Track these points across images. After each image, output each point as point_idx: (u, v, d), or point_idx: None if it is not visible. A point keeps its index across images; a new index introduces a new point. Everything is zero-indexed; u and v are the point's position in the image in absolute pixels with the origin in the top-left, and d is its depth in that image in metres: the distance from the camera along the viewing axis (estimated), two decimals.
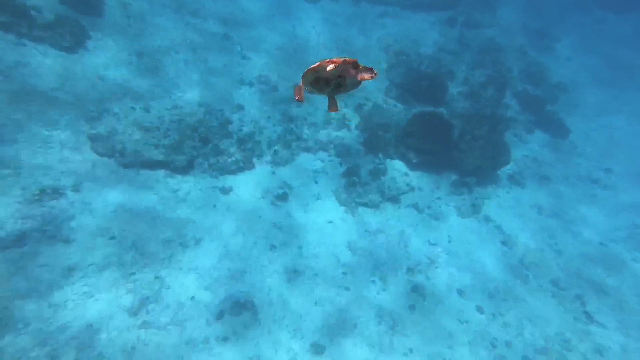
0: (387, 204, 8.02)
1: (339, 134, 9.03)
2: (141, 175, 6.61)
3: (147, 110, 7.20)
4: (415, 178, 8.74)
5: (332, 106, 2.21)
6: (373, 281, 6.63)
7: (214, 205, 6.78)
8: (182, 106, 7.69)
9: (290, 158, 8.11)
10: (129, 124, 6.81)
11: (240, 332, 5.42)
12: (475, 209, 8.51)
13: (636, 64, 15.67)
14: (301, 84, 2.05)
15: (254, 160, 7.78)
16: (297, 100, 2.10)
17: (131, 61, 8.02)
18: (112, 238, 5.65)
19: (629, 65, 15.68)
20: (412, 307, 6.44)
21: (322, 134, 8.82)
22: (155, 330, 5.06)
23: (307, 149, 8.45)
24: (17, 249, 5.01)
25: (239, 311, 5.59)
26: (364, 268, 6.78)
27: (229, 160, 7.40)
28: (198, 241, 6.19)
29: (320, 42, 11.59)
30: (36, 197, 5.47)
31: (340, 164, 8.46)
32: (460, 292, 6.89)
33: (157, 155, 6.77)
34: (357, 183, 8.03)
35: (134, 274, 5.46)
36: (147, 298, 5.29)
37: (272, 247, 6.55)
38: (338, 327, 5.87)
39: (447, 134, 8.99)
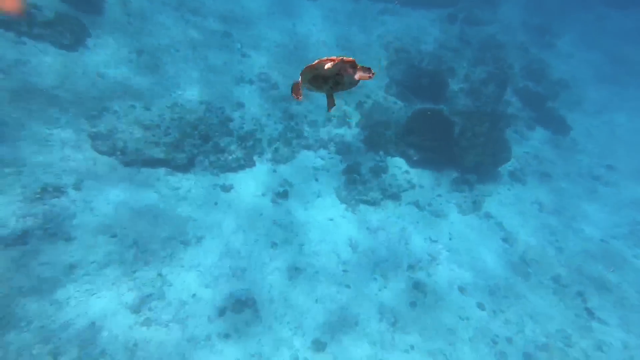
0: (387, 201, 8.03)
1: (340, 131, 9.02)
2: (142, 174, 6.61)
3: (147, 108, 7.19)
4: (416, 175, 8.74)
5: (331, 104, 2.24)
6: (374, 278, 6.64)
7: (215, 203, 6.79)
8: (183, 104, 7.68)
9: (291, 156, 8.11)
10: (129, 122, 6.80)
11: (242, 329, 5.44)
12: (476, 206, 8.51)
13: (638, 61, 15.61)
14: (299, 81, 2.07)
15: (255, 158, 7.78)
16: (295, 97, 2.11)
17: (131, 59, 8.01)
18: (114, 236, 5.66)
19: (631, 62, 15.62)
20: (413, 304, 6.46)
21: (323, 132, 8.82)
22: (157, 328, 5.08)
23: (308, 147, 8.45)
24: (20, 247, 5.02)
25: (241, 308, 5.61)
26: (365, 265, 6.79)
27: (230, 158, 7.41)
28: (199, 239, 6.20)
29: (321, 40, 11.56)
30: (38, 196, 5.48)
31: (341, 161, 8.45)
32: (461, 289, 6.90)
33: (158, 153, 6.77)
34: (358, 180, 8.03)
35: (135, 271, 5.47)
36: (149, 296, 5.31)
37: (273, 245, 6.56)
38: (339, 324, 5.89)
39: (447, 131, 8.98)
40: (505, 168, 9.61)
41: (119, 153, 6.53)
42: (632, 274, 8.08)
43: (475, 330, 6.36)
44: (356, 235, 7.22)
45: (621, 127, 12.88)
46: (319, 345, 5.55)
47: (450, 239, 7.71)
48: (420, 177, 8.75)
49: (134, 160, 6.61)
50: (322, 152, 8.54)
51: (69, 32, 7.34)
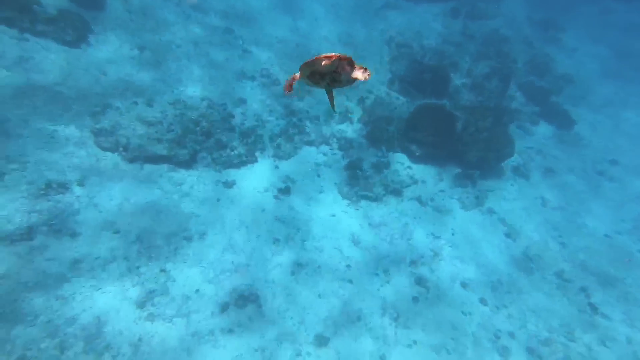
0: (390, 197, 8.02)
1: (342, 127, 9.00)
2: (145, 170, 6.64)
3: (150, 104, 7.21)
4: (419, 171, 8.71)
5: (332, 101, 2.30)
6: (376, 274, 6.66)
7: (218, 199, 6.81)
8: (185, 100, 7.69)
9: (293, 152, 8.11)
10: (132, 119, 6.82)
11: (245, 324, 5.47)
12: (478, 201, 8.48)
13: None
14: (293, 76, 2.12)
15: (257, 154, 7.78)
16: (285, 91, 2.15)
17: (133, 55, 8.01)
18: (117, 232, 5.70)
19: (636, 56, 15.44)
20: (415, 300, 6.47)
21: (325, 128, 8.80)
22: (161, 322, 5.13)
23: (310, 143, 8.44)
24: (25, 243, 5.08)
25: (244, 304, 5.65)
26: (367, 261, 6.80)
27: (232, 154, 7.42)
28: (202, 235, 6.23)
29: (323, 35, 11.51)
30: (42, 192, 5.53)
31: (343, 157, 8.45)
32: (464, 285, 6.90)
33: (161, 149, 6.79)
34: (360, 176, 8.02)
35: (139, 267, 5.52)
36: (153, 291, 5.35)
37: (276, 241, 6.58)
38: (342, 319, 5.91)
39: (450, 127, 8.93)
40: (509, 163, 9.56)
41: (121, 149, 6.56)
42: (637, 269, 8.04)
43: (478, 325, 6.37)
44: (358, 231, 7.23)
45: (626, 121, 12.77)
46: (321, 340, 5.58)
47: (452, 234, 7.70)
48: (422, 172, 8.73)
49: (137, 156, 6.64)
50: (324, 148, 8.53)
51: (71, 29, 7.35)
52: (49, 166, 5.83)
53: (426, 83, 10.30)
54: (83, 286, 5.05)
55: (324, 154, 8.40)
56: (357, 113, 9.37)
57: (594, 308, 7.12)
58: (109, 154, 6.49)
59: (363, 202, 7.75)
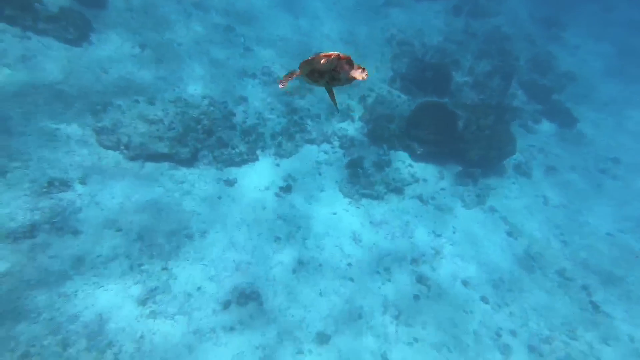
0: (391, 195, 8.01)
1: (343, 125, 8.99)
2: (146, 168, 6.66)
3: (151, 103, 7.22)
4: (420, 169, 8.70)
5: (332, 99, 2.32)
6: (378, 272, 6.66)
7: (219, 198, 6.82)
8: (186, 98, 7.70)
9: (294, 150, 8.10)
10: (133, 117, 6.83)
11: (246, 322, 5.49)
12: (480, 199, 8.47)
13: None
14: (291, 72, 2.15)
15: (258, 152, 7.79)
16: (280, 84, 2.19)
17: (134, 54, 8.02)
18: (119, 230, 5.72)
19: (639, 54, 15.34)
20: (416, 298, 6.47)
21: (326, 126, 8.79)
22: (163, 320, 5.15)
23: (311, 141, 8.43)
24: (28, 240, 5.10)
25: (245, 301, 5.66)
26: (369, 259, 6.81)
27: (233, 152, 7.42)
28: (203, 233, 6.24)
29: (324, 33, 11.48)
30: (45, 190, 5.55)
31: (344, 155, 8.44)
32: (465, 283, 6.90)
33: (162, 147, 6.81)
34: (361, 174, 8.02)
35: (141, 265, 5.54)
36: (155, 289, 5.37)
37: (277, 239, 6.59)
38: (343, 317, 5.92)
39: (452, 125, 8.91)
40: (510, 161, 9.54)
41: (123, 148, 6.58)
42: (639, 267, 8.02)
43: (479, 323, 6.37)
44: (360, 229, 7.23)
45: (629, 119, 12.70)
46: (323, 338, 5.59)
47: (454, 232, 7.69)
48: (424, 170, 8.71)
49: (138, 154, 6.65)
50: (326, 146, 8.52)
51: (73, 27, 7.36)
52: (51, 164, 5.85)
53: (428, 81, 10.28)
54: (85, 284, 5.07)
55: (325, 152, 8.39)
56: (358, 111, 9.36)
57: (595, 306, 7.11)
58: (110, 152, 6.51)
59: (364, 201, 7.75)
